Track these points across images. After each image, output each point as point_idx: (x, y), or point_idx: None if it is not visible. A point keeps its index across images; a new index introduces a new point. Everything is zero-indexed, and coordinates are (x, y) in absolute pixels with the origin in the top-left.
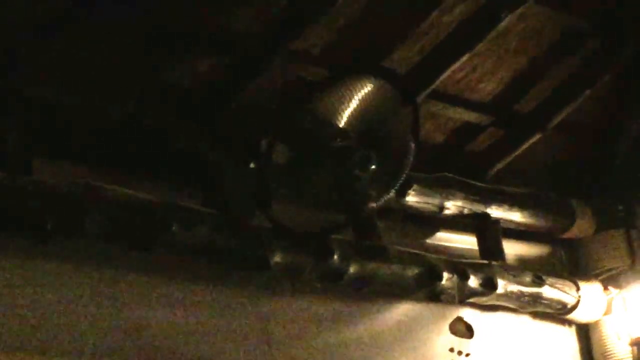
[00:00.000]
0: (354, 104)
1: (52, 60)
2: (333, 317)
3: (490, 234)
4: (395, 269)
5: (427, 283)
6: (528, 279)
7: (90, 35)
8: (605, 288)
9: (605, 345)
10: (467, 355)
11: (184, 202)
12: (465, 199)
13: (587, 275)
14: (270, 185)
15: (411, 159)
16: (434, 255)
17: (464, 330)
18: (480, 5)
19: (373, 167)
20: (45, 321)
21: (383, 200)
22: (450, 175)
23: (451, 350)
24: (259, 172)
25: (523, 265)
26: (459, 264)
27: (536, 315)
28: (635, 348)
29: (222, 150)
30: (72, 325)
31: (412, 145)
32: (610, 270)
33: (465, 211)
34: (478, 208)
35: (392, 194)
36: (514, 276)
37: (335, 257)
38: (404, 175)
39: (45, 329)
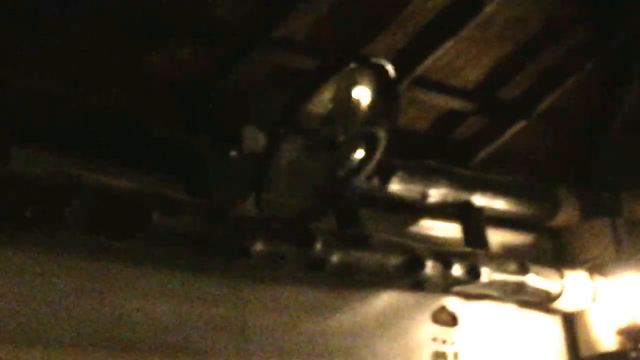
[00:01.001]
0: (341, 95)
1: (33, 49)
2: (315, 305)
3: (474, 222)
4: (378, 258)
5: (410, 272)
6: (512, 267)
7: (71, 24)
8: (591, 276)
9: (591, 334)
10: (453, 343)
11: (166, 191)
12: (449, 186)
13: (573, 264)
14: (270, 176)
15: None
16: (417, 244)
17: (448, 319)
18: None
19: (359, 157)
20: (25, 311)
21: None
22: (434, 162)
23: (434, 339)
24: (261, 162)
25: (507, 254)
26: (443, 253)
27: (521, 303)
28: (620, 336)
29: (205, 138)
30: (52, 315)
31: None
32: (595, 258)
33: (449, 199)
34: (462, 196)
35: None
36: (498, 264)
37: (318, 245)
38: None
39: (26, 319)
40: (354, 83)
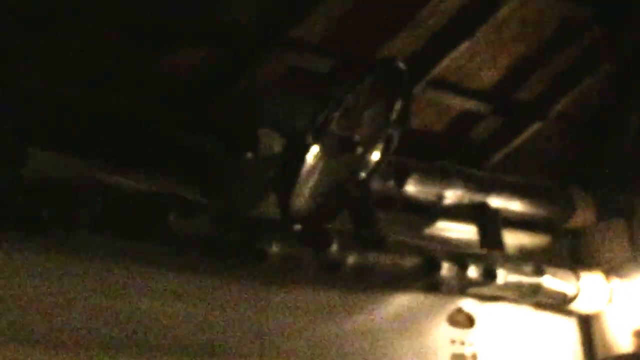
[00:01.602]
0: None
1: (48, 51)
2: (331, 308)
3: (490, 224)
4: (394, 259)
5: (426, 273)
6: (528, 269)
7: (84, 27)
8: (607, 278)
9: (607, 336)
10: (470, 345)
11: (182, 193)
12: (464, 188)
13: (588, 266)
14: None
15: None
16: (433, 246)
17: (464, 320)
18: None
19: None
20: (39, 312)
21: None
22: (450, 164)
23: (452, 341)
24: (287, 170)
25: (523, 256)
26: (459, 254)
27: (537, 305)
28: (637, 338)
29: (220, 141)
30: (66, 316)
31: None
32: (611, 260)
33: (465, 200)
34: (478, 197)
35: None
36: (514, 266)
37: (334, 247)
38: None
39: (41, 320)
40: (370, 85)
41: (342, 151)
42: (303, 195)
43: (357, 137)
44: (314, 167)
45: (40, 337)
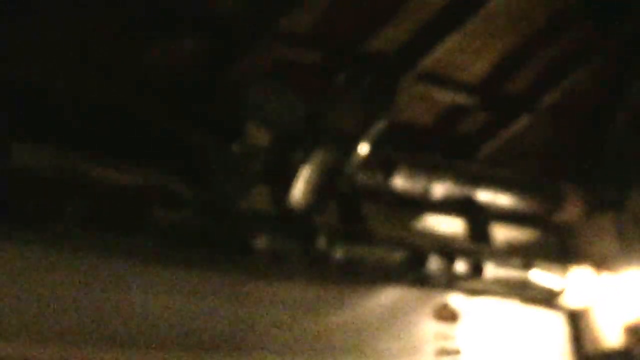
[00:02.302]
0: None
1: (33, 42)
2: (318, 301)
3: (478, 218)
4: (382, 253)
5: (413, 267)
6: (516, 263)
7: (71, 17)
8: (596, 272)
9: (595, 331)
10: (456, 340)
11: (167, 185)
12: (452, 181)
13: (577, 260)
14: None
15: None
16: (420, 239)
17: (449, 315)
18: None
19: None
20: (24, 307)
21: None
22: (438, 157)
23: (438, 335)
24: (282, 160)
25: (511, 250)
26: (446, 248)
27: (525, 300)
28: (625, 333)
29: (207, 132)
30: (52, 310)
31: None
32: (600, 254)
33: (453, 194)
34: (466, 191)
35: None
36: (502, 260)
37: (321, 240)
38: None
39: (25, 314)
40: (356, 78)
41: (332, 145)
42: (297, 189)
43: (345, 131)
44: (306, 161)
45: (25, 331)
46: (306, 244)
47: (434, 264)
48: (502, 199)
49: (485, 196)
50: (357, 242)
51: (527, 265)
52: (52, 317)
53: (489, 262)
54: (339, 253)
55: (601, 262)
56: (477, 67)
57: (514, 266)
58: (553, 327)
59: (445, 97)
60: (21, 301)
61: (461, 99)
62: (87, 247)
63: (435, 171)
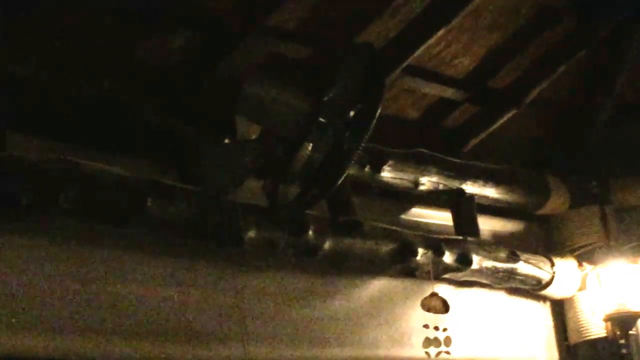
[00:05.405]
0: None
1: (27, 36)
2: (307, 292)
3: (465, 210)
4: (370, 245)
5: (401, 259)
6: (503, 255)
7: (63, 11)
8: (580, 264)
9: (580, 321)
10: (444, 330)
11: (159, 178)
12: (440, 174)
13: (562, 252)
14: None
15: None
16: (408, 231)
17: (438, 305)
18: None
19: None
20: (17, 298)
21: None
22: (426, 151)
23: (426, 326)
24: (275, 154)
25: (498, 242)
26: (434, 240)
27: (511, 291)
28: (609, 323)
29: (198, 126)
30: (46, 301)
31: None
32: (584, 246)
33: (440, 187)
34: (453, 184)
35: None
36: (489, 252)
37: (310, 232)
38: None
39: (19, 305)
40: (343, 70)
41: (321, 138)
42: (289, 182)
43: (334, 123)
44: (298, 155)
45: (16, 323)
46: (296, 236)
47: (422, 255)
48: (488, 192)
49: (472, 189)
50: (346, 234)
51: (513, 257)
52: (43, 308)
53: (476, 253)
54: (328, 245)
55: (585, 254)
56: (464, 62)
57: (500, 258)
58: (538, 317)
59: (433, 91)
60: (14, 292)
61: (448, 93)
62: (79, 239)
63: (422, 164)
